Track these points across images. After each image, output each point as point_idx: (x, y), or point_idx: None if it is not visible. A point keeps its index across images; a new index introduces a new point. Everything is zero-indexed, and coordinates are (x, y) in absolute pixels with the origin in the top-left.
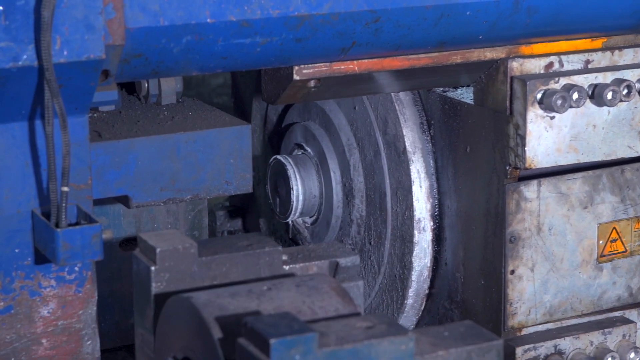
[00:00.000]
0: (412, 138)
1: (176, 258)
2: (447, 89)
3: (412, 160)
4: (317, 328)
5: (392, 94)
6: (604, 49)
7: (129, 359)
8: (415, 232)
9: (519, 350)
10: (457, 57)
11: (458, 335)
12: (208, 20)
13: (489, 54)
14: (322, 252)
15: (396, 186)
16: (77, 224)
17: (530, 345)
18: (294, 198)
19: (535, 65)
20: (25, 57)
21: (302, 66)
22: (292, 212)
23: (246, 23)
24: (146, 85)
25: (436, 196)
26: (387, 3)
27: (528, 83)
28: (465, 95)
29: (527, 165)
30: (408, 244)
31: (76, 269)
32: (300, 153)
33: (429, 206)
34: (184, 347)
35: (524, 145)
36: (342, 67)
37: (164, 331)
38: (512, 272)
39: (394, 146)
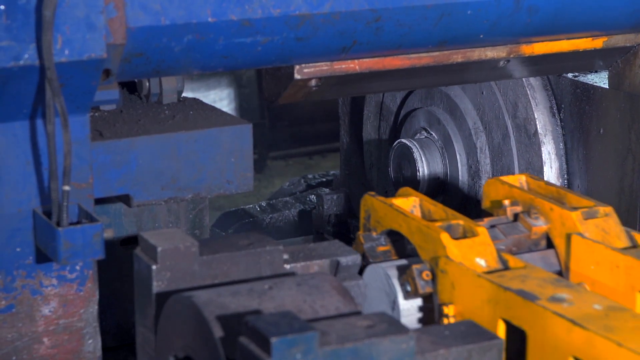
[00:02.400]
0: (543, 121)
1: (177, 257)
2: (578, 74)
3: (543, 142)
4: (318, 327)
5: (524, 79)
6: None
7: (131, 358)
8: None
9: None
10: (457, 56)
11: (459, 334)
12: (209, 19)
13: (490, 53)
14: (323, 251)
15: (525, 167)
16: (78, 222)
17: None
18: (419, 179)
19: None
20: (26, 56)
21: (303, 65)
22: None
23: (247, 22)
24: (147, 84)
25: (565, 176)
26: (388, 2)
27: None
28: (597, 79)
29: None
30: None
31: (77, 267)
32: (424, 137)
33: None
34: (185, 346)
35: None
36: (343, 66)
37: (165, 330)
38: None
39: (524, 129)
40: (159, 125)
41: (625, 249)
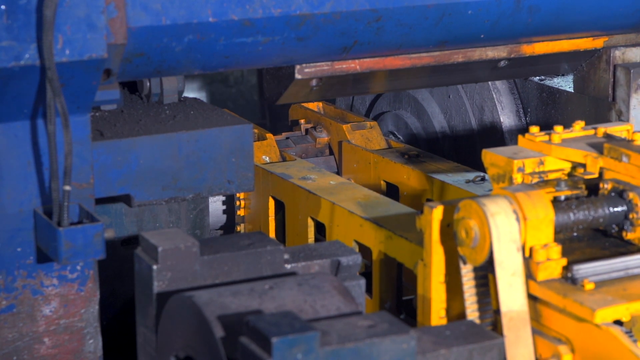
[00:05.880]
0: (509, 125)
1: (178, 257)
2: (544, 77)
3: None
4: (318, 327)
5: (490, 82)
6: None
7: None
8: None
9: None
10: (458, 56)
11: (459, 334)
12: (210, 19)
13: (490, 53)
14: (323, 250)
15: None
16: (79, 222)
17: None
18: None
19: (637, 54)
20: (27, 56)
21: (304, 65)
22: None
23: (248, 22)
24: (148, 84)
25: None
26: (389, 2)
27: (632, 71)
28: (563, 83)
29: None
30: None
31: (78, 267)
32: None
33: None
34: (186, 346)
35: None
36: (344, 66)
37: (166, 330)
38: None
39: (490, 133)
40: (159, 125)
41: (378, 150)
